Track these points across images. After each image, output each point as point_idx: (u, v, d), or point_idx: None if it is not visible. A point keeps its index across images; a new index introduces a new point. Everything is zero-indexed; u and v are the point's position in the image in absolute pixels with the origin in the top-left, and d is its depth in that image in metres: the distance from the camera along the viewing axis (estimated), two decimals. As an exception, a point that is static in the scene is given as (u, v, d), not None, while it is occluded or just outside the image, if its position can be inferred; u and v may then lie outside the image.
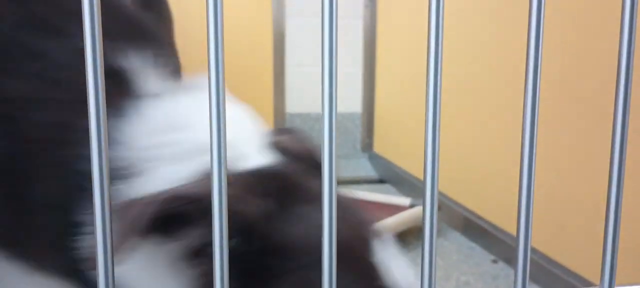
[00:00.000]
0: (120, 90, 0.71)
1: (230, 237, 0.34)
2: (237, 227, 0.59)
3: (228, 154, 0.33)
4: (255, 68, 2.55)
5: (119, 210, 0.55)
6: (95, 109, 0.32)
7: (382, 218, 1.74)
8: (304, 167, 0.71)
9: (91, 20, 0.31)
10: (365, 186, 2.57)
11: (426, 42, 0.35)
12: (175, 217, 0.59)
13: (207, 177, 0.38)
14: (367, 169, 2.82)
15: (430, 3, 0.35)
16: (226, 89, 0.35)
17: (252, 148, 0.70)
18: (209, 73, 0.33)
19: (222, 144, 0.33)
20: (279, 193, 0.65)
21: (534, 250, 1.53)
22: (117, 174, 0.64)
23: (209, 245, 0.41)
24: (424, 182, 0.37)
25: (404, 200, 1.96)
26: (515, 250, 0.39)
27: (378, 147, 2.83)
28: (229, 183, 0.33)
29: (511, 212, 1.91)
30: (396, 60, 2.56)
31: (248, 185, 0.63)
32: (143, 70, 0.74)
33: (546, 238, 1.47)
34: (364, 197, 2.06)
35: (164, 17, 1.14)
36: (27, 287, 0.76)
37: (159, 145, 0.66)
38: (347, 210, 0.73)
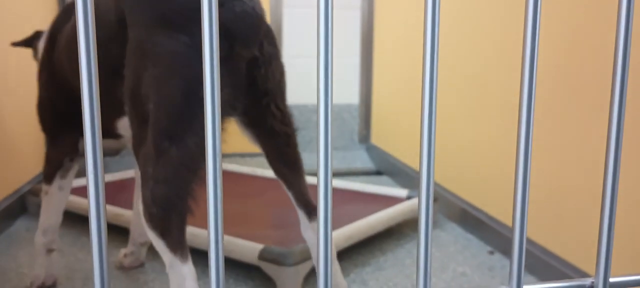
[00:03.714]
0: None
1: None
2: None
3: None
4: (252, 59, 2.54)
5: None
6: (90, 106, 0.32)
7: (379, 209, 1.74)
8: None
9: (85, 17, 0.31)
10: (363, 178, 2.58)
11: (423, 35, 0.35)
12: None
13: None
14: (364, 161, 2.82)
15: (426, -6, 0.34)
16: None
17: None
18: (204, 71, 0.33)
19: (218, 141, 0.33)
20: None
21: (530, 242, 1.54)
22: None
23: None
24: (420, 174, 0.37)
25: (401, 192, 1.96)
26: (511, 241, 0.39)
27: (375, 139, 2.83)
28: None
29: (508, 203, 1.92)
30: (394, 51, 2.56)
31: None
32: None
33: (543, 230, 1.48)
34: (361, 188, 2.06)
35: None
36: None
37: None
38: None
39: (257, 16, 0.99)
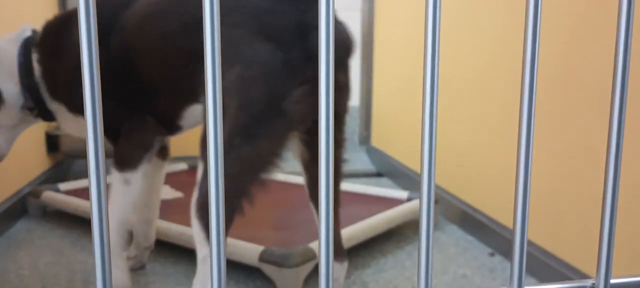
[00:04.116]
0: None
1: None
2: None
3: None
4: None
5: None
6: (92, 107, 0.32)
7: (379, 211, 1.74)
8: None
9: (87, 16, 0.31)
10: (363, 179, 2.58)
11: (424, 37, 0.35)
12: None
13: None
14: (364, 162, 2.82)
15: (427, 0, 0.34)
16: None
17: None
18: (206, 67, 0.33)
19: (220, 142, 0.33)
20: None
21: (531, 244, 1.54)
22: None
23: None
24: (421, 176, 0.37)
25: (402, 194, 1.96)
26: (512, 243, 0.39)
27: (376, 141, 2.83)
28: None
29: (508, 205, 1.92)
30: (394, 53, 2.56)
31: None
32: None
33: (543, 232, 1.48)
34: (362, 190, 2.06)
35: None
36: None
37: None
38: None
39: (350, 46, 1.06)
